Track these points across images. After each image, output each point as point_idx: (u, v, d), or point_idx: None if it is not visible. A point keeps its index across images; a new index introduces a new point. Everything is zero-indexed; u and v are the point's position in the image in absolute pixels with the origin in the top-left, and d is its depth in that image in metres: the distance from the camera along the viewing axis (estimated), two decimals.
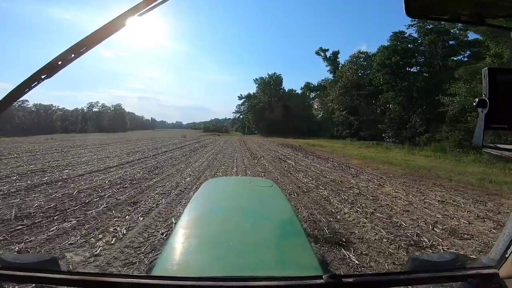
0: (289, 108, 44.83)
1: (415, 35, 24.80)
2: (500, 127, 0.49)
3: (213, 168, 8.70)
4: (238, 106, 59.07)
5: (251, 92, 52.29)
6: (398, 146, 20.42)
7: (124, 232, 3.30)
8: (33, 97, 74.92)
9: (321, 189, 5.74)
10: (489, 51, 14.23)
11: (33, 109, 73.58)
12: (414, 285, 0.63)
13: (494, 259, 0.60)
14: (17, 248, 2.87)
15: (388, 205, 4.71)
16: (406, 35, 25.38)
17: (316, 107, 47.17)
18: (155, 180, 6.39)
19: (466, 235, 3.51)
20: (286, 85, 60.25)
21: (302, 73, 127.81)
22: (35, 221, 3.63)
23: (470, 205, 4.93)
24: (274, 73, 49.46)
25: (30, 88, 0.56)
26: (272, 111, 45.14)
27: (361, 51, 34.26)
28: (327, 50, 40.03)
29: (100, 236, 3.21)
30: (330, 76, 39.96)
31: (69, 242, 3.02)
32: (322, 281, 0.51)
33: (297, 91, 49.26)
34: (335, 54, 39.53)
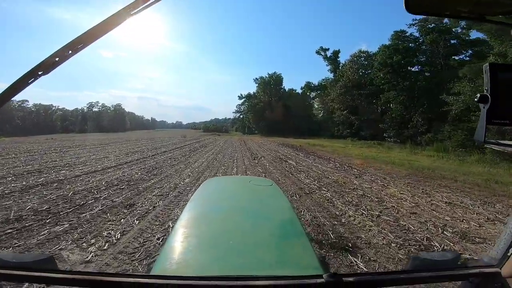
0: (290, 108, 44.68)
1: (417, 34, 24.66)
2: (502, 123, 0.49)
3: (212, 168, 8.54)
4: (238, 106, 58.99)
5: (251, 92, 52.18)
6: (400, 146, 20.26)
7: (118, 237, 3.13)
8: (33, 97, 74.95)
9: (324, 190, 5.57)
10: (492, 50, 14.05)
11: (33, 109, 73.54)
12: (415, 284, 0.60)
13: (496, 258, 0.59)
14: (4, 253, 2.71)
15: (394, 207, 4.54)
16: (407, 34, 25.24)
17: (316, 106, 47.01)
18: (153, 181, 6.22)
19: (478, 239, 3.35)
20: (287, 85, 60.08)
21: (302, 73, 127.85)
22: (25, 225, 3.47)
23: (478, 207, 4.77)
24: (274, 72, 49.40)
25: (27, 85, 0.56)
26: (272, 111, 44.98)
27: (362, 50, 34.07)
28: (328, 49, 39.90)
29: (93, 241, 3.05)
30: (331, 75, 39.84)
31: (59, 247, 2.86)
32: (322, 280, 0.50)
33: (297, 91, 49.14)
34: (336, 53, 39.40)
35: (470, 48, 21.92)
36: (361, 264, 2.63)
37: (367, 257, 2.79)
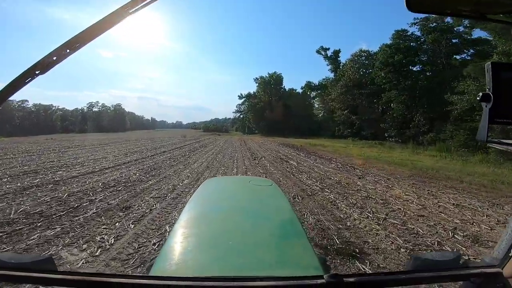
0: (290, 108, 44.49)
1: (418, 33, 24.46)
2: (505, 122, 0.49)
3: (212, 169, 8.37)
4: (238, 105, 58.80)
5: (252, 92, 51.98)
6: (401, 146, 20.08)
7: (112, 242, 2.97)
8: (33, 97, 74.92)
9: (327, 192, 5.40)
10: (496, 49, 13.87)
11: (33, 109, 73.42)
12: (416, 284, 0.58)
13: (498, 258, 0.58)
14: None
15: (400, 209, 4.37)
16: (408, 33, 25.04)
17: (317, 106, 46.83)
18: (151, 182, 6.06)
19: (491, 243, 3.19)
20: (287, 85, 59.91)
21: (302, 73, 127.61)
22: (16, 228, 3.31)
23: (487, 209, 4.61)
24: (275, 72, 49.17)
25: (24, 84, 0.55)
26: (272, 111, 44.80)
27: (363, 49, 33.86)
28: (328, 49, 39.70)
29: (85, 246, 2.89)
30: (331, 75, 39.65)
31: (48, 253, 2.69)
32: (323, 281, 0.50)
33: (297, 91, 48.95)
34: (336, 53, 39.21)
35: (472, 47, 21.73)
36: (370, 272, 2.46)
37: (376, 264, 2.63)
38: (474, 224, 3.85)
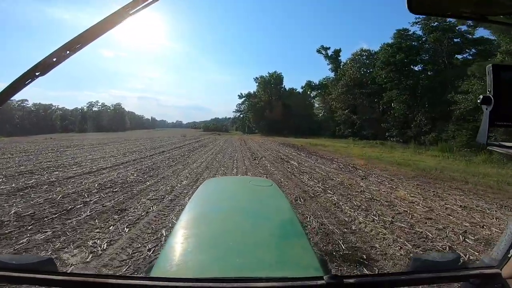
0: (290, 107, 44.32)
1: (420, 32, 24.26)
2: (505, 125, 0.48)
3: (212, 169, 8.21)
4: (239, 105, 58.55)
5: (252, 91, 51.79)
6: (403, 146, 19.89)
7: (105, 247, 2.81)
8: (32, 97, 74.67)
9: (330, 193, 5.24)
10: (499, 48, 13.71)
11: (32, 108, 73.26)
12: (415, 285, 0.59)
13: (497, 259, 0.58)
14: None
15: (407, 212, 4.21)
16: (410, 32, 24.84)
17: (317, 106, 46.65)
18: (148, 183, 5.89)
19: None
20: (287, 84, 59.63)
21: (302, 72, 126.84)
22: (5, 232, 3.15)
23: (496, 211, 4.45)
24: (275, 71, 48.95)
25: (24, 86, 0.55)
26: (272, 110, 44.63)
27: (364, 48, 33.62)
28: (329, 48, 39.47)
29: (76, 251, 2.73)
30: (332, 74, 39.44)
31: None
32: (323, 281, 0.50)
33: (297, 90, 48.75)
34: (337, 52, 38.96)
35: (474, 47, 21.55)
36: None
37: (386, 271, 2.47)
38: (485, 227, 3.69)
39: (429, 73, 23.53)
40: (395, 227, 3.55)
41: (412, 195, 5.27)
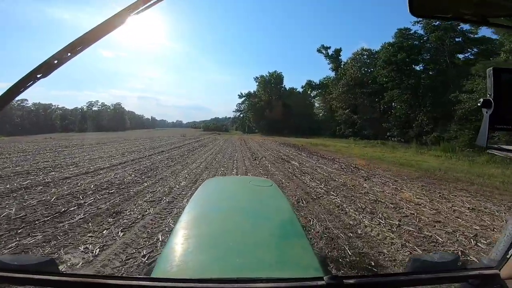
0: (290, 107, 44.14)
1: (421, 32, 24.08)
2: (505, 128, 0.48)
3: (211, 169, 8.05)
4: (239, 104, 58.29)
5: (252, 91, 51.57)
6: (404, 146, 19.71)
7: (97, 253, 2.65)
8: (32, 97, 74.49)
9: (332, 195, 5.07)
10: (503, 47, 13.55)
11: (32, 108, 73.07)
12: (415, 286, 0.57)
13: (495, 260, 0.59)
14: None
15: (414, 214, 4.05)
16: (411, 32, 24.66)
17: (317, 105, 46.46)
18: (146, 184, 5.73)
19: None
20: (287, 84, 59.25)
21: (302, 72, 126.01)
22: None
23: (505, 213, 4.30)
24: (275, 71, 48.65)
25: (26, 88, 0.56)
26: (272, 110, 44.43)
27: (365, 48, 33.40)
28: (329, 47, 39.24)
29: (66, 257, 2.58)
30: (332, 74, 39.22)
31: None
32: (323, 282, 0.50)
33: (298, 90, 48.54)
34: (337, 51, 38.71)
35: (476, 46, 21.37)
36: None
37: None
38: (495, 230, 3.54)
39: (430, 73, 23.34)
40: (402, 231, 3.39)
41: (417, 196, 5.11)
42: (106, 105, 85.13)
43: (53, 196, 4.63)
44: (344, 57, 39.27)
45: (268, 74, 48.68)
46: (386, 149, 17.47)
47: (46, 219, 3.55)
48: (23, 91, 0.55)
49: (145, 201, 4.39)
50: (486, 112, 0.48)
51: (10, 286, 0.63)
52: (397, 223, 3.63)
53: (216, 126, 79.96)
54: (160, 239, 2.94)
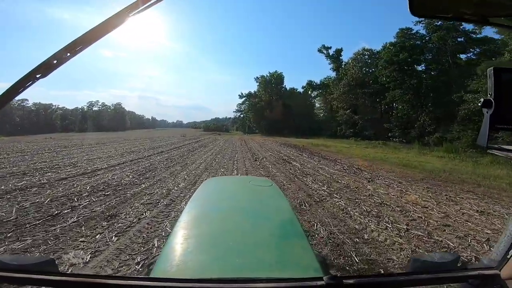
0: (291, 107, 43.97)
1: (423, 31, 23.91)
2: (506, 128, 0.48)
3: (211, 170, 7.90)
4: (239, 105, 58.11)
5: (252, 91, 51.42)
6: (406, 146, 19.52)
7: (88, 259, 2.50)
8: (33, 96, 74.45)
9: (336, 197, 4.91)
10: (507, 47, 13.38)
11: (32, 108, 73.06)
12: (415, 286, 0.56)
13: (496, 260, 0.59)
14: None
15: (421, 218, 3.88)
16: (413, 31, 24.50)
17: (318, 105, 46.30)
18: (143, 185, 5.58)
19: None
20: (288, 84, 59.10)
21: (303, 72, 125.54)
22: None
23: None
24: (275, 71, 48.46)
25: (25, 88, 0.56)
26: (273, 110, 44.27)
27: (366, 48, 33.21)
28: (330, 47, 39.07)
29: (55, 262, 2.41)
30: (333, 74, 39.03)
31: None
32: (322, 282, 0.50)
33: (298, 90, 48.37)
34: (338, 51, 38.53)
35: (478, 46, 21.19)
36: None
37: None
38: None
39: (432, 73, 23.15)
40: (411, 236, 3.23)
41: (424, 199, 4.94)
42: (106, 105, 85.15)
43: (47, 198, 4.48)
44: (345, 57, 39.18)
45: (268, 74, 48.58)
46: (388, 150, 17.28)
47: (37, 222, 3.40)
48: (22, 91, 0.55)
49: (141, 204, 4.23)
50: (487, 112, 0.48)
51: (10, 286, 0.62)
52: (405, 227, 3.47)
53: (216, 127, 79.84)
54: (156, 245, 2.79)
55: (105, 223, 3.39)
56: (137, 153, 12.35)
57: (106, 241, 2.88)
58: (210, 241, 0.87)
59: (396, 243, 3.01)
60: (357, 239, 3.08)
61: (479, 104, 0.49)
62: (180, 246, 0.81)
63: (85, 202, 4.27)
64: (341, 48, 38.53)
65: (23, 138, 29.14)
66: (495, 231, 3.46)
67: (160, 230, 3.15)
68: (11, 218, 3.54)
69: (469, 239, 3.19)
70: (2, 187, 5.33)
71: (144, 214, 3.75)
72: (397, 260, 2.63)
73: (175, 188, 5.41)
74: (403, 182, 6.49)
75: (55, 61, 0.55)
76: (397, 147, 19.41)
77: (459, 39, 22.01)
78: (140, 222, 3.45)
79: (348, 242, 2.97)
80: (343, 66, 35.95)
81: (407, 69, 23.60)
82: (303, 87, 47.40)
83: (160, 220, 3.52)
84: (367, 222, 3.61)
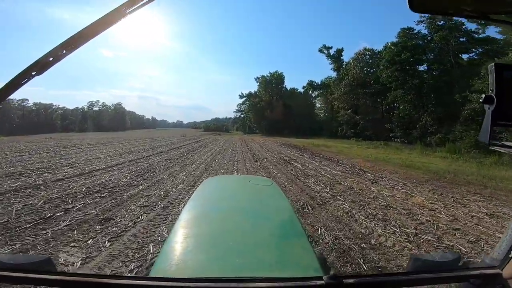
0: (291, 107, 43.82)
1: (425, 31, 23.73)
2: (507, 124, 0.48)
3: (211, 171, 7.74)
4: (239, 105, 58.00)
5: (252, 91, 51.27)
6: (408, 147, 19.34)
7: (78, 266, 2.34)
8: (33, 96, 74.53)
9: (340, 200, 4.74)
10: (511, 46, 13.20)
11: (33, 108, 73.05)
12: (415, 285, 0.56)
13: (497, 259, 0.58)
14: None
15: (430, 221, 3.72)
16: (415, 31, 24.33)
17: (318, 106, 46.14)
18: (141, 187, 5.42)
19: None
20: (288, 84, 58.94)
21: (303, 72, 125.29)
22: None
23: None
24: (276, 71, 48.33)
25: (20, 85, 0.56)
26: (273, 110, 44.11)
27: (367, 48, 33.03)
28: (331, 47, 38.91)
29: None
30: (334, 74, 38.86)
31: None
32: (322, 282, 0.50)
33: (299, 90, 48.22)
34: (339, 51, 38.36)
35: (481, 46, 21.01)
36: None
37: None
38: None
39: (434, 73, 22.97)
40: (421, 241, 3.06)
41: (430, 201, 4.78)
42: (106, 105, 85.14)
43: (41, 200, 4.33)
44: (346, 57, 38.99)
45: (269, 74, 48.44)
46: (390, 150, 17.11)
47: (28, 225, 3.24)
48: (18, 88, 0.55)
49: (138, 206, 4.06)
50: (488, 108, 0.48)
51: (7, 285, 0.59)
52: (413, 231, 3.31)
53: (216, 127, 79.73)
54: (152, 251, 2.63)
55: (99, 226, 3.23)
56: (136, 153, 12.21)
57: (99, 247, 2.72)
58: (210, 241, 0.86)
59: (406, 248, 2.85)
60: (364, 244, 2.92)
61: (481, 100, 0.48)
62: (179, 246, 0.80)
63: (79, 204, 4.12)
64: (342, 48, 38.42)
65: (23, 138, 29.04)
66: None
67: (156, 235, 2.99)
68: (3, 220, 3.39)
69: (482, 244, 3.03)
70: None
71: (140, 217, 3.59)
72: (407, 267, 2.47)
73: (173, 190, 5.25)
74: (408, 184, 6.33)
75: (50, 59, 0.55)
76: (398, 147, 19.24)
77: (461, 39, 21.84)
78: (136, 226, 3.28)
79: (355, 248, 2.81)
80: (344, 66, 35.79)
81: (409, 69, 23.41)
82: (303, 87, 47.34)
83: (156, 224, 3.36)
84: (373, 226, 3.45)
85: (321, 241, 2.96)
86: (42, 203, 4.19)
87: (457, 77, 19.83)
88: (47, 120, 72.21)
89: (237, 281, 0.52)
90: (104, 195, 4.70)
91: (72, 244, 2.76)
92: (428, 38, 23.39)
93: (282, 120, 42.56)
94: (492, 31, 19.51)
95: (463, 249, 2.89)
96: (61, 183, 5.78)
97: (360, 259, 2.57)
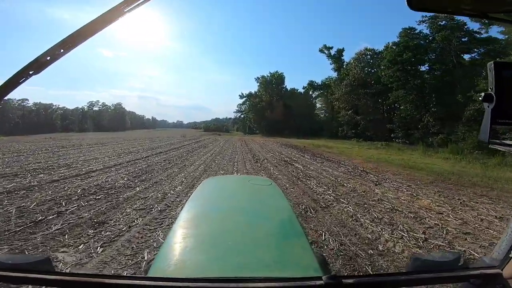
0: (291, 107, 43.67)
1: (426, 31, 23.60)
2: (507, 122, 0.48)
3: (210, 172, 7.59)
4: (239, 105, 57.83)
5: (253, 91, 51.13)
6: (409, 147, 19.19)
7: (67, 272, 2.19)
8: (33, 96, 74.50)
9: (343, 202, 4.58)
10: None
11: (33, 108, 72.97)
12: (415, 285, 0.55)
13: (497, 259, 0.58)
14: None
15: (438, 225, 3.56)
16: (416, 31, 24.20)
17: (319, 106, 45.98)
18: (138, 189, 5.26)
19: None
20: (289, 85, 58.70)
21: (304, 72, 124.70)
22: None
23: None
24: (276, 71, 48.19)
25: (18, 85, 0.55)
26: (273, 111, 43.97)
27: (368, 48, 32.89)
28: (331, 47, 38.77)
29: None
30: (335, 74, 38.72)
31: None
32: (321, 282, 0.49)
33: (299, 90, 48.08)
34: (340, 51, 38.22)
35: (483, 46, 20.86)
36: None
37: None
38: None
39: (436, 73, 22.82)
40: (431, 246, 2.91)
41: (437, 204, 4.62)
42: (106, 105, 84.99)
43: (34, 202, 4.18)
44: (347, 57, 38.79)
45: (269, 75, 48.30)
46: (391, 151, 16.94)
47: (18, 229, 3.09)
48: (15, 87, 0.54)
49: (134, 209, 3.91)
50: (488, 107, 0.47)
51: (5, 285, 0.58)
52: (422, 236, 3.15)
53: (216, 127, 79.57)
54: (146, 258, 2.48)
55: (92, 231, 3.08)
56: (135, 154, 12.06)
57: (90, 252, 2.57)
58: (209, 240, 0.86)
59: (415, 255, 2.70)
60: (371, 250, 2.76)
61: (480, 98, 0.48)
62: (178, 245, 0.80)
63: (73, 207, 3.96)
64: (343, 48, 38.24)
65: (22, 138, 28.95)
66: None
67: (151, 240, 2.84)
68: None
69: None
70: None
71: (135, 221, 3.43)
72: None
73: (171, 191, 5.09)
74: (412, 186, 6.17)
75: (48, 58, 0.54)
76: (400, 148, 19.06)
77: (463, 39, 21.70)
78: (130, 230, 3.13)
79: (362, 255, 2.65)
80: (344, 66, 35.64)
81: (411, 69, 23.26)
82: (304, 88, 47.16)
83: (152, 228, 3.20)
84: (380, 231, 3.29)
85: (325, 247, 2.80)
86: (34, 205, 4.04)
87: (459, 77, 19.68)
88: (47, 120, 72.12)
89: (236, 281, 0.52)
90: (99, 197, 4.55)
91: (62, 250, 2.61)
92: (430, 38, 23.25)
93: (282, 121, 42.40)
94: (494, 31, 19.38)
95: (476, 254, 2.73)
96: (55, 184, 5.63)
97: (368, 266, 2.41)
